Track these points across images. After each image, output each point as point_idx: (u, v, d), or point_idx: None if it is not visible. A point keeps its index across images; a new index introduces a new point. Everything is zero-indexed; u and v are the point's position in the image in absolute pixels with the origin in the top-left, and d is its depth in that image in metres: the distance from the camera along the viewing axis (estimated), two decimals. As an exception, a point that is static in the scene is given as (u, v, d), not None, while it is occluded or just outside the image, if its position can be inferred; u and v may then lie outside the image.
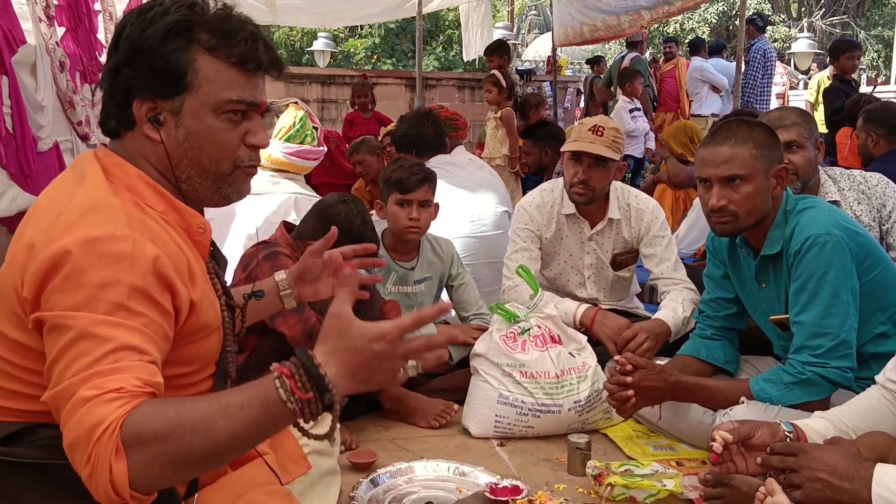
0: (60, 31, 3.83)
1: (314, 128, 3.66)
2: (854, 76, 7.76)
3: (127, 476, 1.09)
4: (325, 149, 3.76)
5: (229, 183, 1.45)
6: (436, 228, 3.25)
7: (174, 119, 1.38)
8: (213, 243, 1.54)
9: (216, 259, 1.58)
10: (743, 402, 2.29)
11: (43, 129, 3.58)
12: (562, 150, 3.24)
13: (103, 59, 4.13)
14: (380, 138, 6.02)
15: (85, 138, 3.95)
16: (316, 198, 3.55)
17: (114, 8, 4.26)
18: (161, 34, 1.34)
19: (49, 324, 1.20)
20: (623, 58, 9.28)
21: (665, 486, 2.17)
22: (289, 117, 3.56)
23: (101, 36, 4.20)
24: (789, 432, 1.92)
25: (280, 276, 1.85)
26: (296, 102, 3.70)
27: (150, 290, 1.24)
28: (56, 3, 3.78)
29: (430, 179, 3.09)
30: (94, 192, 1.31)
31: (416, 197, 3.03)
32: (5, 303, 1.31)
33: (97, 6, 4.19)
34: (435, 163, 3.79)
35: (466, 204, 3.83)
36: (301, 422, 1.18)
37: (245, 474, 1.58)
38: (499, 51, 7.39)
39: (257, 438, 1.18)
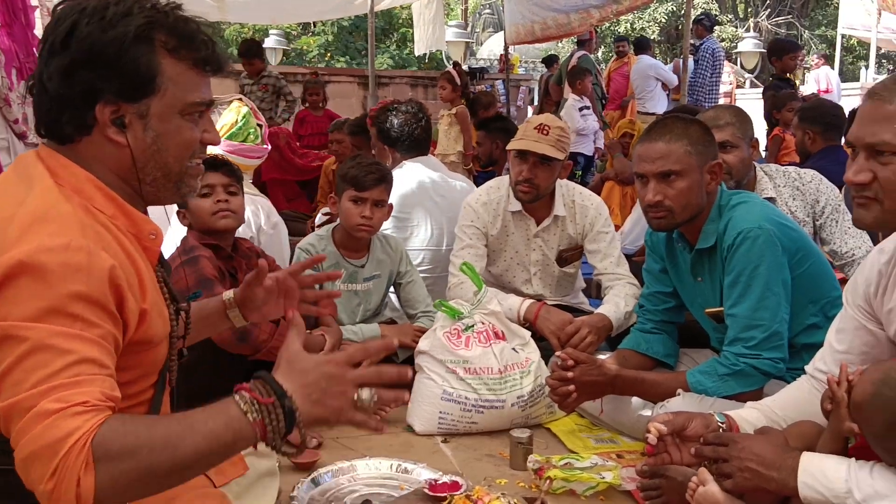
0: (-4, 26, 3.74)
1: (258, 125, 3.62)
2: (793, 76, 7.95)
3: (94, 492, 1.09)
4: (269, 147, 3.71)
5: (186, 181, 1.46)
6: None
7: (141, 122, 1.36)
8: None
9: (163, 265, 1.56)
10: (679, 395, 2.33)
11: (-23, 128, 3.49)
12: (507, 148, 3.26)
13: (41, 55, 4.04)
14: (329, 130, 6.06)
15: (22, 137, 3.86)
16: (259, 196, 3.51)
17: (51, 2, 4.17)
18: (131, 37, 1.32)
19: (1, 334, 1.17)
20: (571, 55, 9.37)
21: (604, 478, 2.20)
22: (231, 114, 3.51)
23: (38, 31, 4.10)
24: (722, 423, 1.96)
25: (228, 295, 1.83)
26: (240, 99, 3.66)
27: (106, 302, 1.23)
28: (-9, -2, 3.69)
29: (386, 180, 3.09)
30: (44, 199, 1.28)
31: (371, 196, 3.02)
32: None
33: (34, 1, 4.10)
34: (415, 163, 3.77)
35: (436, 218, 3.71)
36: (269, 433, 1.23)
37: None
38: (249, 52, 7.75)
39: (221, 456, 1.23)
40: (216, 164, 2.75)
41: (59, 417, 1.10)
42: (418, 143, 3.83)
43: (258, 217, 3.32)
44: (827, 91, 11.65)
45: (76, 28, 1.32)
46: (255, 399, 1.21)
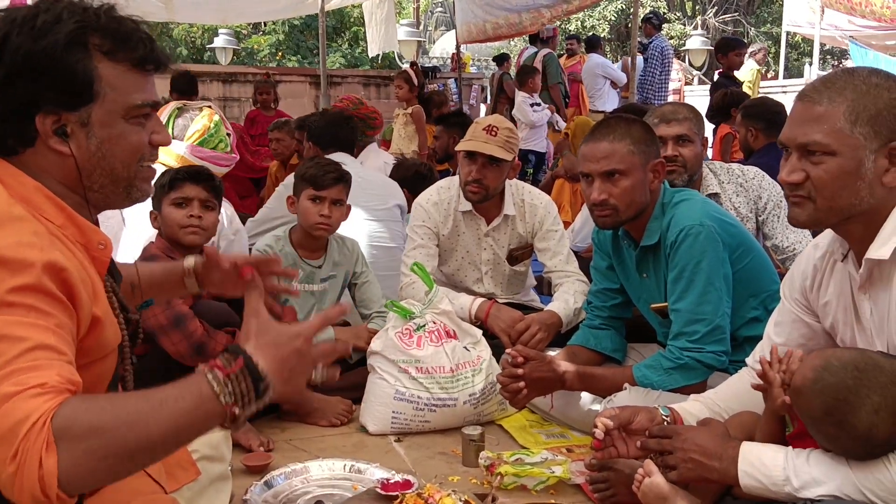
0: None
1: (227, 134, 3.61)
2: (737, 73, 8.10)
3: (56, 472, 1.05)
4: (238, 156, 3.72)
5: (136, 185, 1.43)
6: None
7: (83, 130, 1.34)
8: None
9: (112, 275, 1.54)
10: (626, 389, 2.38)
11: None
12: (456, 148, 3.29)
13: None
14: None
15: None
16: (224, 201, 3.50)
17: None
18: (63, 44, 1.29)
19: None
20: (535, 54, 9.39)
21: (554, 472, 2.24)
22: (203, 120, 3.49)
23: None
24: (666, 416, 2.01)
25: (189, 261, 1.78)
26: (209, 106, 3.64)
27: (58, 295, 1.21)
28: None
29: (345, 180, 3.13)
30: None
31: (330, 195, 3.05)
32: None
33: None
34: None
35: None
36: (236, 410, 1.18)
37: (125, 484, 1.55)
38: None
39: (190, 435, 1.19)
40: (199, 176, 2.68)
41: (18, 400, 1.08)
42: (340, 141, 4.17)
43: (221, 222, 3.30)
44: None
45: (8, 40, 1.29)
46: (230, 381, 1.17)
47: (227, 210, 3.37)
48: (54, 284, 1.21)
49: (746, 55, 8.61)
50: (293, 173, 4.05)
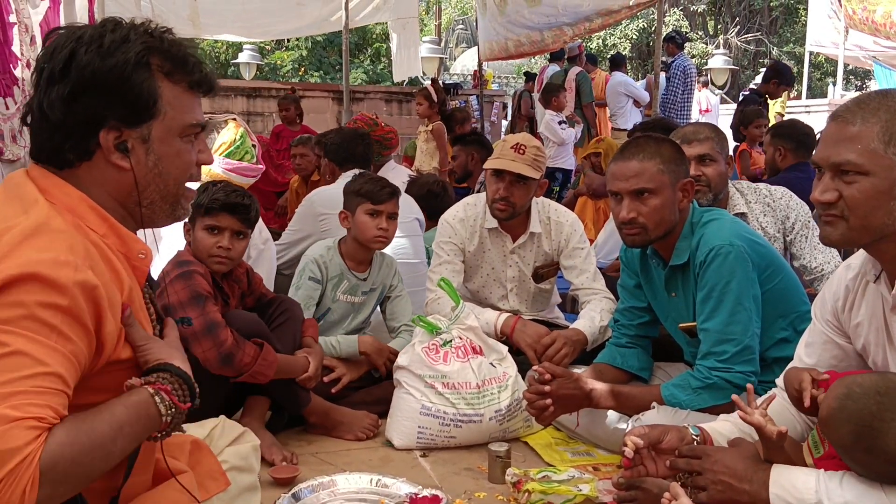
0: (-28, 43, 3.73)
1: (253, 145, 3.68)
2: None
3: (35, 502, 1.15)
4: (263, 167, 3.79)
5: (181, 203, 1.50)
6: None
7: (143, 146, 1.40)
8: None
9: (150, 285, 1.58)
10: (654, 408, 2.37)
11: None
12: (484, 166, 3.31)
13: (18, 72, 4.03)
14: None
15: (-2, 153, 3.85)
16: None
17: (29, 20, 4.16)
18: (133, 64, 1.35)
19: None
20: (566, 73, 9.38)
21: (581, 490, 2.23)
22: (229, 133, 3.57)
23: (16, 49, 4.09)
24: (696, 436, 2.00)
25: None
26: (234, 119, 3.71)
27: (85, 319, 1.26)
28: (-32, 15, 3.68)
29: (397, 194, 3.22)
30: (37, 216, 1.30)
31: (387, 209, 3.14)
32: None
33: (12, 18, 4.09)
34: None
35: None
36: (169, 428, 1.40)
37: (159, 494, 1.57)
38: None
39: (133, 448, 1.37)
40: (235, 207, 2.67)
41: (15, 427, 1.14)
42: (355, 158, 4.21)
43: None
44: (707, 111, 12.31)
45: (75, 56, 1.34)
46: (175, 404, 1.36)
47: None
48: (84, 304, 1.26)
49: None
50: (313, 191, 4.18)
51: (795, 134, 4.49)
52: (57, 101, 1.35)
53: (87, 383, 1.31)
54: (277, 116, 7.96)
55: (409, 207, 4.20)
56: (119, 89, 1.35)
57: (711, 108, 12.51)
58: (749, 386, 1.85)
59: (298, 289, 3.10)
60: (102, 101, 1.35)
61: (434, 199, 4.51)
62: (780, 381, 2.07)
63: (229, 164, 3.50)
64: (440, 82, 9.93)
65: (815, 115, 10.60)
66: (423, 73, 11.86)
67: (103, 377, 1.36)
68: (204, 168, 3.37)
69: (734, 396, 1.86)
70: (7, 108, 3.90)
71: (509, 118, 12.09)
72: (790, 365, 2.05)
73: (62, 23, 4.36)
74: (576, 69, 9.39)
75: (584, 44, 11.30)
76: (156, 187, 1.44)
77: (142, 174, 1.41)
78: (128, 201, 1.43)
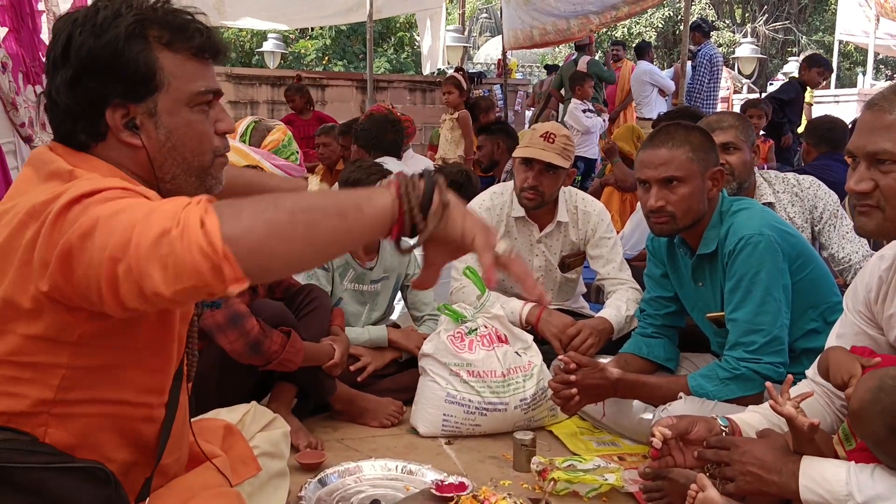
0: (2, 31, 3.76)
1: (297, 151, 3.75)
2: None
3: (218, 224, 1.06)
4: (305, 170, 3.85)
5: (211, 174, 1.45)
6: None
7: (151, 121, 1.37)
8: None
9: None
10: (681, 398, 2.36)
11: (-16, 131, 3.52)
12: (513, 155, 3.30)
13: (47, 60, 4.06)
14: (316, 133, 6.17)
15: (28, 140, 3.89)
16: None
17: (58, 8, 4.20)
18: (124, 38, 1.33)
19: (71, 239, 1.14)
20: (576, 61, 9.36)
21: (607, 480, 2.23)
22: (278, 134, 3.64)
23: (44, 36, 4.13)
24: (725, 426, 1.99)
25: None
26: (281, 125, 3.82)
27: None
28: (-2, 2, 3.72)
29: None
30: (87, 176, 1.28)
31: None
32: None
33: (41, 6, 4.13)
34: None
35: None
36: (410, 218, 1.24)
37: (195, 477, 1.59)
38: None
39: (353, 223, 1.18)
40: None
41: (171, 202, 1.11)
42: (386, 145, 4.22)
43: None
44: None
45: (71, 40, 1.33)
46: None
47: None
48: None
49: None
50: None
51: (818, 130, 4.54)
52: (62, 86, 1.34)
53: (110, 341, 1.29)
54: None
55: None
56: (115, 65, 1.32)
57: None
58: (789, 377, 1.82)
59: (310, 278, 3.11)
60: (102, 79, 1.33)
61: (458, 189, 4.50)
62: (810, 372, 2.05)
63: (276, 160, 3.57)
64: (465, 70, 9.89)
65: (843, 105, 10.47)
66: (448, 62, 11.83)
67: (151, 331, 1.34)
68: (252, 160, 3.43)
69: (768, 384, 1.84)
70: (36, 95, 3.94)
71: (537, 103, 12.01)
72: (820, 356, 2.02)
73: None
74: (585, 58, 9.37)
75: (607, 32, 11.24)
76: (173, 161, 1.40)
77: (154, 150, 1.38)
78: (151, 178, 1.40)
